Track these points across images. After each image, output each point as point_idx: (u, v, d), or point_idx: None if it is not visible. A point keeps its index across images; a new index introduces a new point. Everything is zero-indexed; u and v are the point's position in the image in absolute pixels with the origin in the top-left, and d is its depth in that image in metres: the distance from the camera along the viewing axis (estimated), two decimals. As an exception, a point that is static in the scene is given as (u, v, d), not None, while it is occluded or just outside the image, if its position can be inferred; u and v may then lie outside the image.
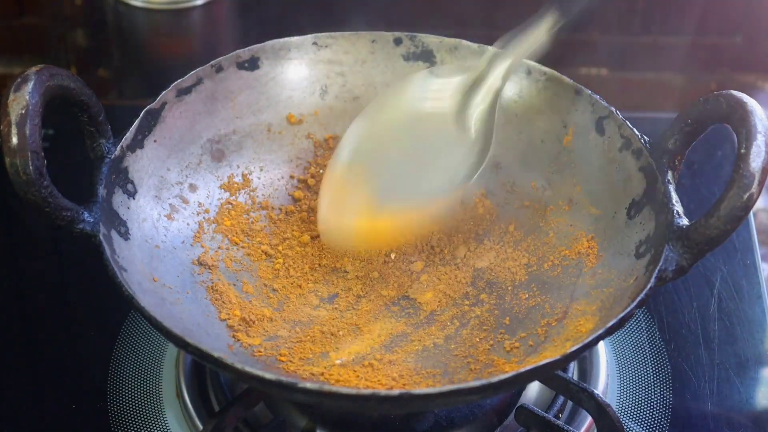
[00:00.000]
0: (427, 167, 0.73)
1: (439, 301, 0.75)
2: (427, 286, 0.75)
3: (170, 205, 0.74)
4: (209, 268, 0.73)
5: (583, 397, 0.71)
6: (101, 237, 0.65)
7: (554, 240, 0.75)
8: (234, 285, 0.74)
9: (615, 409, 0.71)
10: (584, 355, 0.78)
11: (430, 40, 0.81)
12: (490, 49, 0.75)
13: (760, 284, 0.85)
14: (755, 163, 0.60)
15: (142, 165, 0.72)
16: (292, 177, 0.81)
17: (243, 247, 0.76)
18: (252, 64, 0.79)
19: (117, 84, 1.13)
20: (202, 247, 0.74)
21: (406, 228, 0.74)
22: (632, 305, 0.62)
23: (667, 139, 0.69)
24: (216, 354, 0.59)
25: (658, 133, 0.70)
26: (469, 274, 0.76)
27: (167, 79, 0.75)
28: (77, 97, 0.66)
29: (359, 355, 0.70)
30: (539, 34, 0.73)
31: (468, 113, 0.74)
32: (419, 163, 0.73)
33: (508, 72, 0.74)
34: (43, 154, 0.61)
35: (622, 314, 0.61)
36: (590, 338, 0.61)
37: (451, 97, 0.74)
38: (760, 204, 0.97)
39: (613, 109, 0.74)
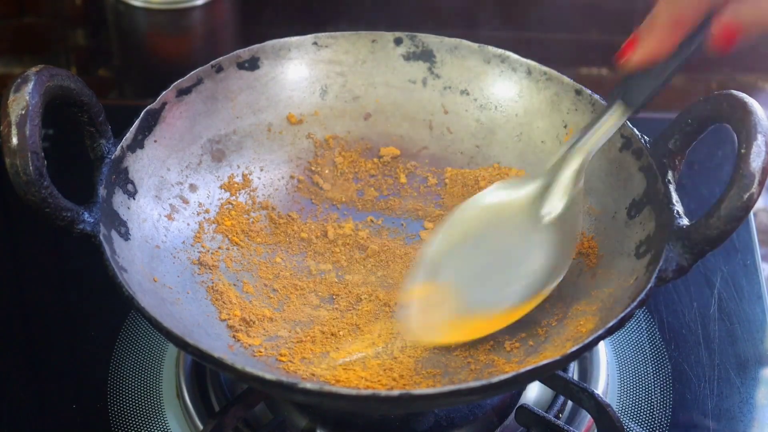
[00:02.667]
0: (510, 275, 0.72)
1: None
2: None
3: (170, 205, 0.74)
4: (209, 269, 0.73)
5: (583, 397, 0.71)
6: (101, 237, 0.65)
7: (554, 240, 0.75)
8: (234, 285, 0.74)
9: (615, 409, 0.71)
10: (584, 355, 0.78)
11: (431, 39, 0.81)
12: (559, 151, 0.71)
13: (760, 284, 0.85)
14: (755, 163, 0.60)
15: (142, 165, 0.72)
16: (292, 177, 0.81)
17: (243, 247, 0.76)
18: (252, 64, 0.79)
19: (117, 84, 1.13)
20: (203, 247, 0.74)
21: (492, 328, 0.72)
22: (632, 305, 0.62)
23: (667, 139, 0.69)
24: (216, 354, 0.59)
25: (658, 133, 0.70)
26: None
27: (167, 79, 0.75)
28: (77, 97, 0.66)
29: (359, 356, 0.70)
30: (607, 128, 0.69)
31: (544, 216, 0.71)
32: (502, 272, 0.72)
33: (580, 171, 0.71)
34: (43, 154, 0.61)
35: (622, 314, 0.61)
36: (590, 338, 0.61)
37: (528, 203, 0.72)
38: (760, 204, 0.98)
39: (613, 109, 0.74)
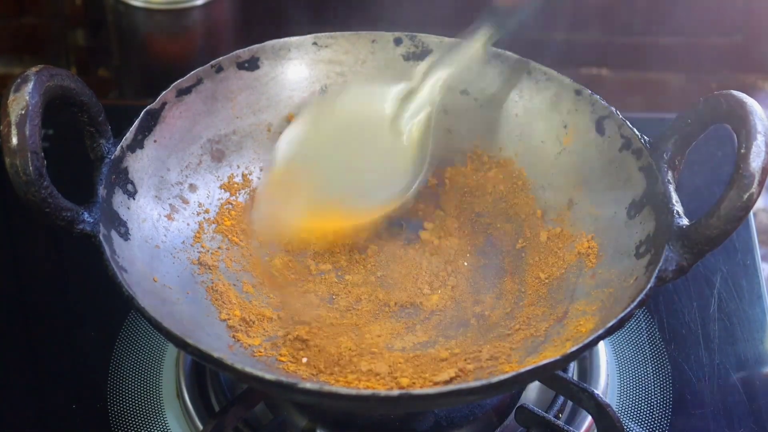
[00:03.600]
0: (364, 174, 0.75)
1: (437, 303, 0.75)
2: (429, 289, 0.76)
3: (170, 205, 0.74)
4: (209, 269, 0.73)
5: (583, 397, 0.71)
6: (101, 237, 0.65)
7: (554, 240, 0.75)
8: (234, 285, 0.74)
9: (615, 409, 0.71)
10: (584, 355, 0.78)
11: (430, 39, 0.81)
12: (425, 62, 0.76)
13: (760, 284, 0.85)
14: (755, 163, 0.60)
15: (142, 165, 0.72)
16: (292, 177, 0.81)
17: (243, 247, 0.76)
18: (252, 64, 0.79)
19: (117, 84, 1.13)
20: (203, 247, 0.74)
21: (341, 231, 0.76)
22: (632, 305, 0.62)
23: (667, 139, 0.69)
24: (216, 354, 0.59)
25: (658, 133, 0.70)
26: (468, 273, 0.76)
27: (167, 79, 0.75)
28: (77, 97, 0.66)
29: (359, 356, 0.70)
30: (475, 47, 0.74)
31: (402, 123, 0.75)
32: (356, 169, 0.75)
33: (443, 86, 0.75)
34: (43, 154, 0.61)
35: (622, 314, 0.61)
36: (590, 338, 0.61)
37: (388, 106, 0.75)
38: (760, 204, 0.98)
39: (613, 109, 0.74)
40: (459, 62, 0.75)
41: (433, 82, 0.75)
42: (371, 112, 0.75)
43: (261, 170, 0.80)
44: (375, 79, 0.79)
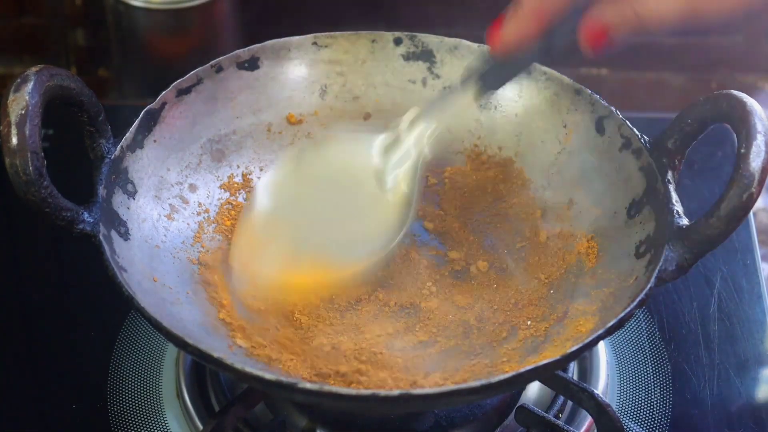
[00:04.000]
0: (346, 225, 0.73)
1: (437, 303, 0.75)
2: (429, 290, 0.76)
3: (170, 205, 0.74)
4: (209, 268, 0.73)
5: (583, 397, 0.71)
6: (101, 237, 0.65)
7: (554, 240, 0.75)
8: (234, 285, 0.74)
9: (615, 409, 0.71)
10: (584, 355, 0.78)
11: (430, 40, 0.81)
12: (411, 111, 0.73)
13: (760, 284, 0.85)
14: (755, 163, 0.60)
15: (142, 165, 0.72)
16: (292, 177, 0.81)
17: (243, 247, 0.76)
18: (252, 64, 0.79)
19: (117, 84, 1.13)
20: (203, 247, 0.74)
21: (323, 285, 0.73)
22: (632, 305, 0.62)
23: (667, 139, 0.69)
24: (216, 354, 0.59)
25: (658, 133, 0.70)
26: (468, 274, 0.76)
27: (167, 79, 0.75)
28: (77, 97, 0.66)
29: (359, 355, 0.70)
30: (463, 102, 0.71)
31: (387, 174, 0.73)
32: (337, 220, 0.73)
33: (430, 136, 0.72)
34: (43, 154, 0.61)
35: (622, 314, 0.61)
36: (590, 338, 0.61)
37: (372, 156, 0.73)
38: (760, 204, 0.97)
39: (613, 109, 0.74)
40: (446, 114, 0.73)
41: (419, 132, 0.73)
42: (354, 161, 0.74)
43: (261, 170, 0.80)
44: (359, 129, 0.78)
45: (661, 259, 0.64)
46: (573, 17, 0.62)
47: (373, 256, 0.72)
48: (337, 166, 0.74)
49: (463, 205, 0.80)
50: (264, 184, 0.74)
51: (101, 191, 0.67)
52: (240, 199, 0.78)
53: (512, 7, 0.64)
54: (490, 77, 0.70)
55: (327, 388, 0.59)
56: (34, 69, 0.62)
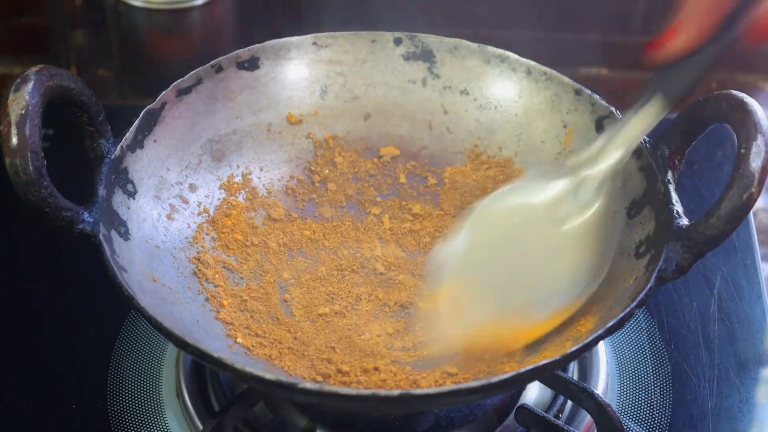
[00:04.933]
0: (540, 282, 0.68)
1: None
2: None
3: (170, 205, 0.74)
4: (209, 268, 0.73)
5: (583, 397, 0.71)
6: (101, 237, 0.65)
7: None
8: (234, 285, 0.74)
9: (615, 409, 0.71)
10: (584, 355, 0.78)
11: (430, 39, 0.81)
12: (596, 144, 0.68)
13: (760, 284, 0.85)
14: (755, 163, 0.60)
15: (142, 165, 0.72)
16: (292, 177, 0.81)
17: (243, 247, 0.76)
18: (252, 64, 0.79)
19: (117, 84, 1.13)
20: (203, 247, 0.74)
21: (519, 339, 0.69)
22: (632, 305, 0.62)
23: (667, 139, 0.69)
24: (216, 354, 0.59)
25: (658, 133, 0.70)
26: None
27: (167, 79, 0.75)
28: (77, 97, 0.66)
29: (359, 355, 0.70)
30: (647, 123, 0.66)
31: (575, 219, 0.68)
32: (530, 278, 0.68)
33: (615, 168, 0.67)
34: (43, 154, 0.61)
35: (622, 314, 0.61)
36: (590, 338, 0.61)
37: (555, 202, 0.68)
38: (760, 204, 0.97)
39: (613, 109, 0.74)
40: (633, 139, 0.66)
41: (609, 167, 0.67)
42: (535, 209, 0.68)
43: (261, 170, 0.80)
44: (535, 178, 0.71)
45: (661, 259, 0.64)
46: (741, 9, 0.60)
47: (570, 305, 0.67)
48: (516, 216, 0.69)
49: (463, 205, 0.80)
50: (448, 250, 0.69)
51: (101, 191, 0.67)
52: (240, 199, 0.78)
53: (685, 7, 0.61)
54: (673, 86, 0.65)
55: (327, 388, 0.59)
56: (34, 69, 0.62)
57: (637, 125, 0.66)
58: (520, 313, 0.68)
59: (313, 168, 0.81)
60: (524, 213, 0.69)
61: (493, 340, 0.67)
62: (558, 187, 0.68)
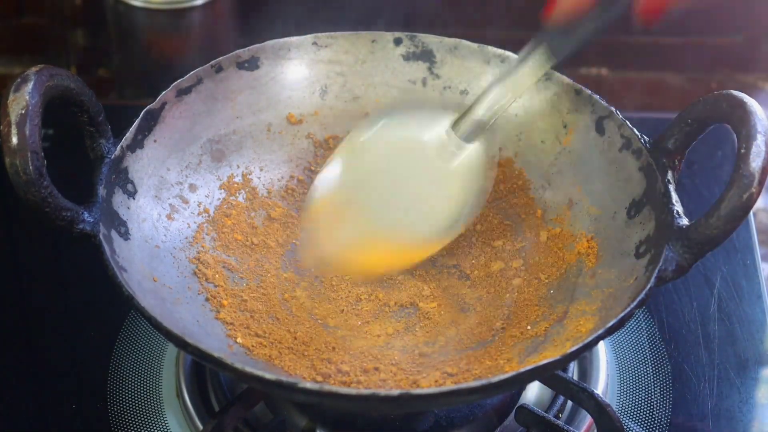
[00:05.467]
0: (411, 206, 0.72)
1: (438, 303, 0.75)
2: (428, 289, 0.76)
3: (170, 205, 0.74)
4: (209, 268, 0.73)
5: (583, 397, 0.71)
6: (101, 237, 0.65)
7: (554, 240, 0.75)
8: (234, 285, 0.74)
9: (615, 409, 0.71)
10: (584, 355, 0.78)
11: (430, 40, 0.81)
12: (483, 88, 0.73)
13: (760, 284, 0.85)
14: (755, 163, 0.60)
15: (142, 165, 0.72)
16: (292, 177, 0.81)
17: (243, 247, 0.76)
18: (252, 64, 0.79)
19: (117, 84, 1.13)
20: (203, 247, 0.74)
21: (396, 261, 0.74)
22: (632, 305, 0.62)
23: (667, 139, 0.69)
24: (216, 354, 0.59)
25: (658, 133, 0.70)
26: (468, 274, 0.76)
27: (167, 79, 0.75)
28: (77, 97, 0.66)
29: (359, 355, 0.70)
30: (532, 72, 0.71)
31: (454, 150, 0.72)
32: (402, 201, 0.73)
33: (503, 108, 0.72)
34: (43, 154, 0.61)
35: (622, 314, 0.61)
36: (590, 338, 0.61)
37: (443, 131, 0.73)
38: (760, 204, 0.98)
39: (613, 109, 0.74)
40: (519, 85, 0.71)
41: (491, 104, 0.72)
42: (417, 139, 0.73)
43: (261, 170, 0.80)
44: (418, 106, 0.76)
45: (661, 259, 0.64)
46: None
47: (443, 234, 0.72)
48: (399, 144, 0.74)
49: (463, 205, 0.80)
50: (326, 170, 0.74)
51: (101, 191, 0.67)
52: (240, 199, 0.78)
53: None
54: (556, 44, 0.70)
55: (327, 388, 0.59)
56: (34, 69, 0.62)
57: (521, 75, 0.71)
58: (397, 233, 0.72)
59: (313, 168, 0.81)
60: (405, 144, 0.74)
61: (378, 256, 0.72)
62: (441, 125, 0.72)
